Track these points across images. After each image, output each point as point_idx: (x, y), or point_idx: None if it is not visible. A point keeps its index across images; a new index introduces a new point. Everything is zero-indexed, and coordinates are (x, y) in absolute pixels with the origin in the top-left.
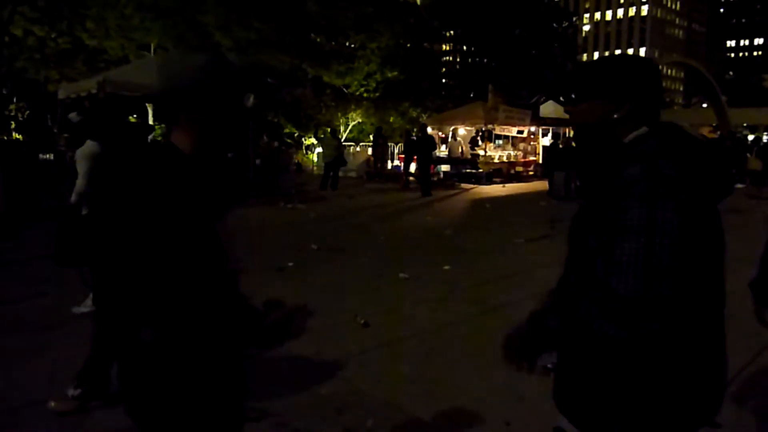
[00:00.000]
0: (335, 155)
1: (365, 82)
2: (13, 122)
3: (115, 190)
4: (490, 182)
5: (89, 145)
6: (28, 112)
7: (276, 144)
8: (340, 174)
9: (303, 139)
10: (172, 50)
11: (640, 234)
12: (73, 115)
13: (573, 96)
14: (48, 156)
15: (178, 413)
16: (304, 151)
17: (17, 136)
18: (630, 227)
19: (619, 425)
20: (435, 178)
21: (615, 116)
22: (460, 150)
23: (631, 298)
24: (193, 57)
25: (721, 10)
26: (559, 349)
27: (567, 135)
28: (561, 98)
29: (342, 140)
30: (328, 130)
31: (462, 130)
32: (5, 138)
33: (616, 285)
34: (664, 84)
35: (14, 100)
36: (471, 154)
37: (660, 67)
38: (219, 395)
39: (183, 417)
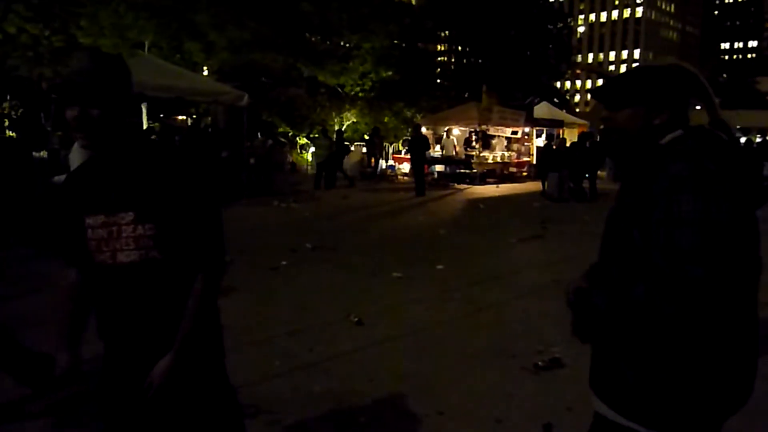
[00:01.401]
0: (327, 155)
1: (360, 82)
2: (6, 120)
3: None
4: (483, 183)
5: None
6: (21, 110)
7: (270, 142)
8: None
9: (297, 138)
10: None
11: (698, 225)
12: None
13: (611, 103)
14: (42, 154)
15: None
16: (299, 151)
17: (10, 134)
18: (687, 219)
19: (660, 408)
20: (429, 179)
21: (656, 122)
22: (453, 149)
23: (692, 284)
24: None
25: (715, 12)
26: (598, 332)
27: (561, 136)
28: (555, 100)
29: (334, 139)
30: (319, 128)
31: (456, 131)
32: None
33: (679, 273)
34: None
35: (7, 98)
36: (465, 155)
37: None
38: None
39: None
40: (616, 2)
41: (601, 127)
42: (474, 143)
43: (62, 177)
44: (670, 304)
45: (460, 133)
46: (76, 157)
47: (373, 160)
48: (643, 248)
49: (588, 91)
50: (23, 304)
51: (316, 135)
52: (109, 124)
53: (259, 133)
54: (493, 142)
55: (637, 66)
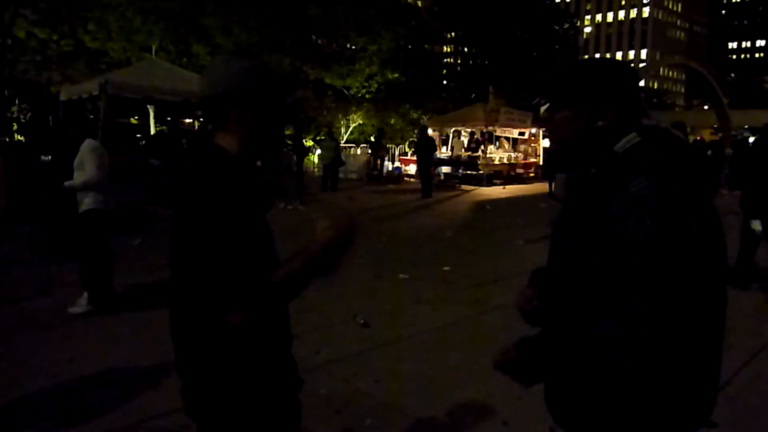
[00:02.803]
0: (333, 156)
1: (366, 84)
2: (15, 124)
3: (199, 195)
4: (490, 184)
5: (91, 143)
6: (30, 113)
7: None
8: (341, 175)
9: (304, 140)
10: (216, 58)
11: (658, 252)
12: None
13: (550, 103)
14: (50, 157)
15: (252, 407)
16: (318, 155)
17: (19, 138)
18: (647, 245)
19: (618, 429)
20: (435, 180)
21: (600, 123)
22: (462, 150)
23: (653, 323)
24: (238, 61)
25: (723, 11)
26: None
27: None
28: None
29: (342, 142)
30: (326, 130)
31: (463, 132)
32: (7, 139)
33: (634, 309)
34: (665, 86)
35: (16, 101)
36: (468, 156)
37: (661, 68)
38: (285, 386)
39: (255, 412)
40: (623, 2)
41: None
42: (473, 144)
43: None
44: (628, 355)
45: (465, 134)
46: (92, 153)
47: (378, 161)
48: (594, 270)
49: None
50: (29, 305)
51: (323, 137)
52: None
53: None
54: (491, 146)
55: (573, 62)
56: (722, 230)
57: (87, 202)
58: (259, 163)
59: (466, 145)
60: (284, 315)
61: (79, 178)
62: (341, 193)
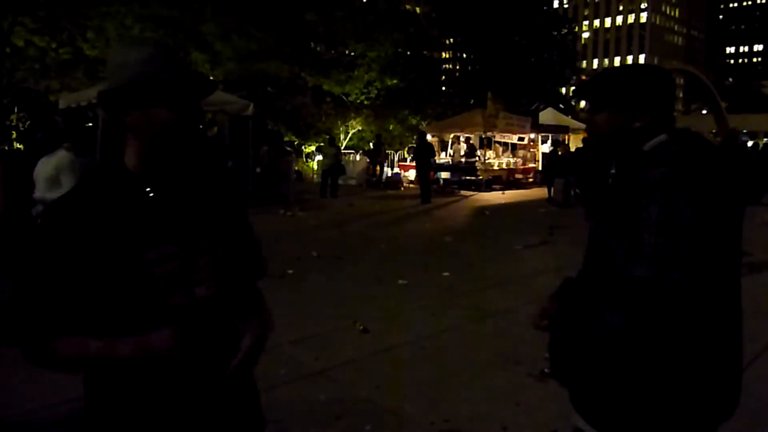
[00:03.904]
0: (332, 163)
1: (365, 90)
2: (14, 132)
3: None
4: (489, 189)
5: (69, 157)
6: (28, 122)
7: (266, 148)
8: (340, 182)
9: (303, 147)
10: (120, 41)
11: (659, 228)
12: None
13: (591, 105)
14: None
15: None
16: (304, 159)
17: (18, 146)
18: (650, 222)
19: (636, 424)
20: (434, 186)
21: (636, 125)
22: (459, 155)
23: (646, 280)
24: (132, 49)
25: (720, 16)
26: (571, 348)
27: (566, 142)
28: (561, 105)
29: (342, 148)
30: (326, 137)
31: (462, 138)
32: (6, 147)
33: (634, 272)
34: None
35: (15, 110)
36: (466, 162)
37: None
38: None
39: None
40: (621, 7)
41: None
42: (467, 150)
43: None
44: (615, 310)
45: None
46: (69, 170)
47: (377, 168)
48: (618, 258)
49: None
50: None
51: (322, 143)
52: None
53: (265, 147)
54: (490, 151)
55: (616, 66)
56: (740, 231)
57: None
58: (230, 164)
59: (461, 151)
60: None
61: (54, 191)
62: (340, 199)
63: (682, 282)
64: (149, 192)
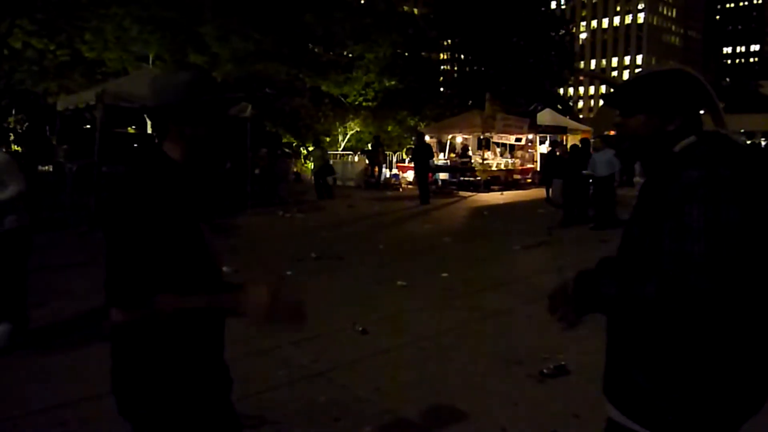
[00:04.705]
0: (320, 164)
1: (363, 92)
2: (12, 134)
3: (116, 195)
4: (488, 190)
5: (4, 156)
6: (27, 124)
7: (264, 150)
8: (339, 183)
9: (302, 148)
10: (166, 66)
11: (707, 233)
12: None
13: (624, 108)
14: (47, 168)
15: (165, 406)
16: (303, 161)
17: (16, 148)
18: (696, 229)
19: (673, 414)
20: (433, 187)
21: (670, 128)
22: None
23: (702, 293)
24: (175, 75)
25: (717, 17)
26: (609, 335)
27: (564, 143)
28: (559, 106)
29: (339, 149)
30: (312, 139)
31: (459, 138)
32: (4, 150)
33: (687, 282)
34: None
35: (13, 112)
36: (461, 162)
37: None
38: (204, 389)
39: (170, 411)
40: (618, 8)
41: (612, 132)
42: (458, 150)
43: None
44: (678, 310)
45: (462, 139)
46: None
47: (376, 169)
48: (654, 256)
49: (591, 97)
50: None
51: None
52: None
53: (264, 149)
54: (489, 152)
55: (647, 71)
56: None
57: (10, 220)
58: (228, 165)
59: (456, 152)
60: (210, 324)
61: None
62: (339, 200)
63: (731, 288)
64: (192, 178)
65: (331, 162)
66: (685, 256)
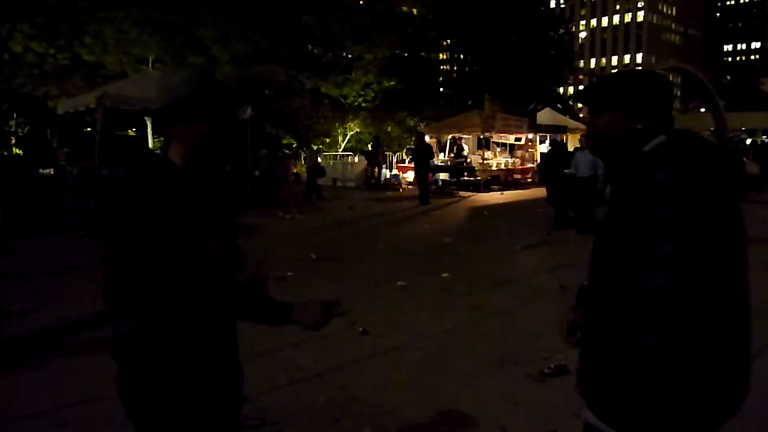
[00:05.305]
0: (310, 165)
1: (363, 92)
2: (13, 138)
3: (115, 203)
4: (488, 190)
5: None
6: (27, 127)
7: (264, 151)
8: (339, 184)
9: (301, 150)
10: (165, 67)
11: (673, 235)
12: None
13: (593, 107)
14: (48, 171)
15: (169, 414)
16: (303, 162)
17: (17, 151)
18: (663, 229)
19: (648, 419)
20: (433, 187)
21: (639, 127)
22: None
23: (668, 296)
24: (172, 75)
25: (717, 14)
26: (584, 347)
27: (564, 142)
28: (559, 105)
29: (339, 150)
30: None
31: (453, 138)
32: (5, 153)
33: (652, 285)
34: None
35: (14, 115)
36: (456, 162)
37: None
38: (211, 398)
39: (175, 418)
40: (617, 7)
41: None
42: (455, 149)
43: None
44: (649, 331)
45: (464, 140)
46: None
47: (376, 169)
48: (631, 267)
49: (572, 95)
50: (28, 320)
51: (320, 146)
52: None
53: (263, 150)
54: (489, 152)
55: (618, 71)
56: (742, 222)
57: None
58: (228, 167)
59: (450, 151)
60: (222, 329)
61: None
62: (339, 201)
63: (699, 289)
64: (196, 184)
65: (320, 162)
66: (651, 258)
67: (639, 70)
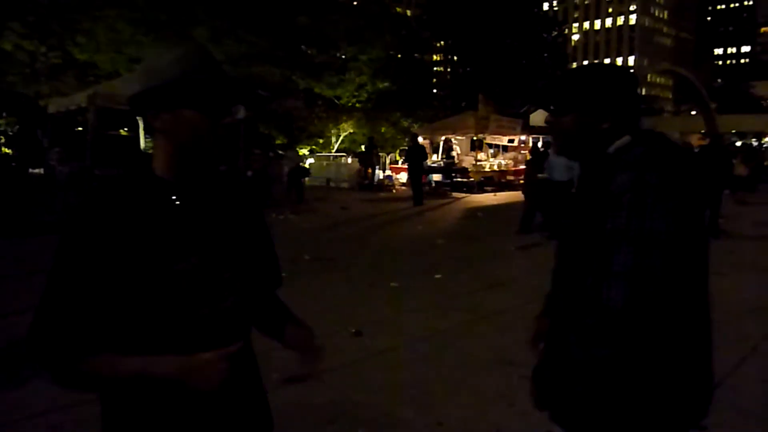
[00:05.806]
0: (293, 166)
1: (357, 93)
2: (2, 137)
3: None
4: (481, 191)
5: None
6: (18, 126)
7: (258, 151)
8: (332, 184)
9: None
10: (158, 44)
11: (632, 245)
12: None
13: (554, 107)
14: (38, 170)
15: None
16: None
17: (6, 151)
18: (621, 239)
19: (614, 426)
20: (427, 188)
21: (603, 127)
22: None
23: (624, 309)
24: (165, 51)
25: (708, 18)
26: (545, 358)
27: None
28: (551, 108)
29: (333, 151)
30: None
31: (443, 139)
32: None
33: (606, 297)
34: (653, 92)
35: (4, 114)
36: (445, 163)
37: (648, 75)
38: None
39: None
40: (610, 10)
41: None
42: (452, 151)
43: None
44: (602, 347)
45: (457, 141)
46: None
47: (369, 170)
48: (587, 278)
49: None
50: (20, 322)
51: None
52: None
53: (257, 150)
54: (482, 153)
55: (576, 68)
56: (703, 228)
57: None
58: (223, 168)
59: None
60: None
61: None
62: (333, 202)
63: (658, 298)
64: (176, 200)
65: (313, 162)
66: (609, 269)
67: (602, 64)
